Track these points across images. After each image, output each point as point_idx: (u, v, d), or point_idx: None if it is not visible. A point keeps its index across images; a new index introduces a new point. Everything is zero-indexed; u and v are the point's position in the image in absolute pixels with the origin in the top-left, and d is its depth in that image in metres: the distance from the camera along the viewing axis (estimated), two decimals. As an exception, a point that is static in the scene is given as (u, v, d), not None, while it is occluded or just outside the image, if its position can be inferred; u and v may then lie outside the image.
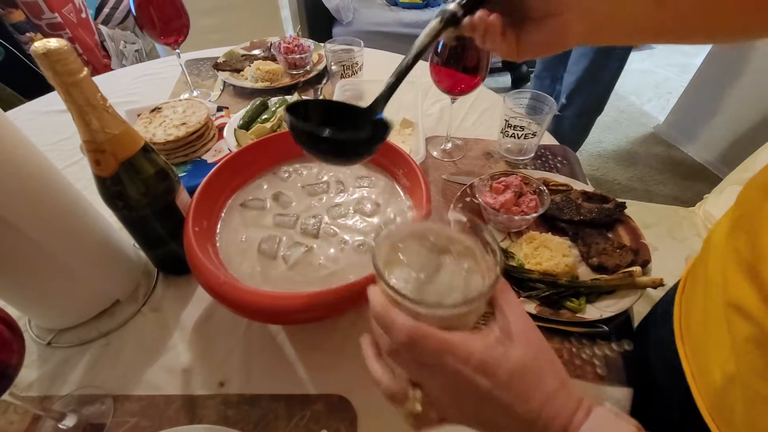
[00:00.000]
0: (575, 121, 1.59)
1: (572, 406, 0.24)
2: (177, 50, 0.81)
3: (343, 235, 0.46)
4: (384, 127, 0.35)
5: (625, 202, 0.57)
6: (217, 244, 0.45)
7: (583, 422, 0.23)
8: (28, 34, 1.68)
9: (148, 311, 0.50)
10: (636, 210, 0.59)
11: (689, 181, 1.89)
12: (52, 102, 0.90)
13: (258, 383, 0.43)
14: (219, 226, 0.47)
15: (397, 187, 0.52)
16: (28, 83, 1.35)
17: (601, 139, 2.13)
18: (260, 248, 0.45)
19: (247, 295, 0.36)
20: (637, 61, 2.71)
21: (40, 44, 0.33)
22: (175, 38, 0.77)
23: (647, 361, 0.44)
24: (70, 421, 0.40)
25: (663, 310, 0.45)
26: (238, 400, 0.42)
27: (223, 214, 0.48)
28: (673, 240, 0.89)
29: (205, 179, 0.47)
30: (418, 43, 0.37)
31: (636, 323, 0.50)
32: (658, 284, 0.48)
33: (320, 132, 0.33)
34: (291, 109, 0.35)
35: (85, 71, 0.36)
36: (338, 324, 0.48)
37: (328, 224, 0.48)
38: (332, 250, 0.45)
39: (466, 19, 0.36)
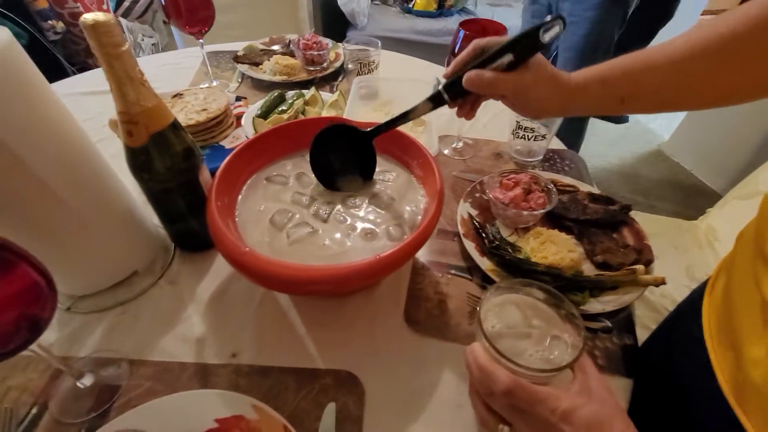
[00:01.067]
0: (568, 124, 1.62)
1: None
2: (201, 40, 0.84)
3: (353, 223, 0.48)
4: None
5: (630, 205, 0.59)
6: (236, 219, 0.47)
7: None
8: (50, 22, 1.72)
9: (164, 284, 0.52)
10: (638, 220, 0.60)
11: (692, 198, 1.90)
12: (74, 84, 0.92)
13: (269, 356, 0.45)
14: (239, 200, 0.49)
15: (413, 178, 0.54)
16: (49, 68, 1.38)
17: (606, 153, 2.15)
18: (272, 219, 0.47)
19: (266, 265, 0.38)
20: None
21: (90, 16, 0.35)
22: (199, 28, 0.80)
23: (672, 357, 0.45)
24: (87, 381, 0.41)
25: (690, 309, 0.46)
26: (249, 371, 0.43)
27: (245, 188, 0.50)
28: (675, 250, 0.91)
29: (228, 158, 0.49)
30: (413, 111, 0.46)
31: (637, 324, 0.51)
32: (660, 282, 0.49)
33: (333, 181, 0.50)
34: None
35: (127, 45, 0.38)
36: (347, 303, 0.49)
37: (340, 211, 0.49)
38: (338, 234, 0.46)
39: (450, 105, 0.46)
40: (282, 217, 0.47)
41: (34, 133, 0.37)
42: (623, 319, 0.49)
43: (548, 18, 0.39)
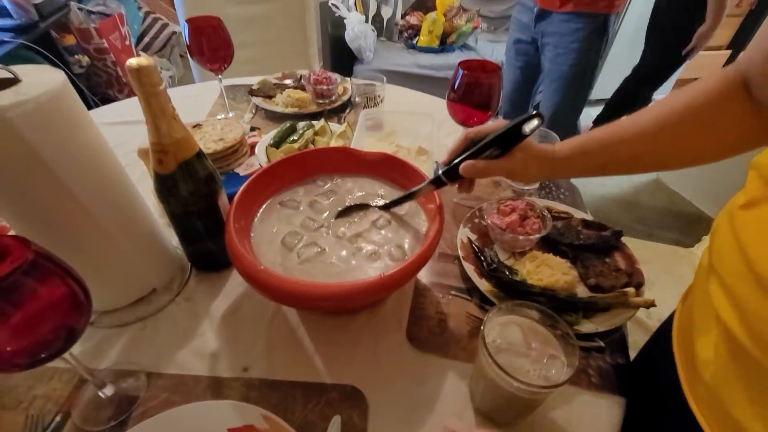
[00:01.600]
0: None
1: None
2: (220, 75, 0.90)
3: (359, 244, 0.51)
4: None
5: (621, 231, 0.62)
6: (252, 240, 0.51)
7: None
8: (76, 56, 1.83)
9: (181, 301, 0.55)
10: (634, 246, 0.63)
11: (692, 226, 1.93)
12: (99, 115, 0.99)
13: (278, 370, 0.47)
14: (255, 222, 0.53)
15: (415, 203, 0.58)
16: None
17: (604, 182, 2.20)
18: (283, 240, 0.51)
19: (279, 282, 0.41)
20: None
21: (134, 61, 0.40)
22: (219, 65, 0.86)
23: (655, 372, 0.47)
24: (108, 391, 0.44)
25: (668, 327, 0.49)
26: (260, 384, 0.46)
27: (260, 212, 0.54)
28: (671, 276, 0.93)
29: (245, 184, 0.53)
30: (418, 191, 0.52)
31: (634, 349, 0.53)
32: (650, 305, 0.52)
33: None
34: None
35: (163, 85, 0.43)
36: (353, 322, 0.52)
37: (346, 234, 0.52)
38: (344, 252, 0.50)
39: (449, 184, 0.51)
40: (292, 238, 0.51)
41: (78, 160, 0.41)
42: (616, 340, 0.52)
43: (529, 114, 0.44)
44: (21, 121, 0.35)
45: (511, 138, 0.46)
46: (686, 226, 1.93)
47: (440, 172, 0.50)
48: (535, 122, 0.44)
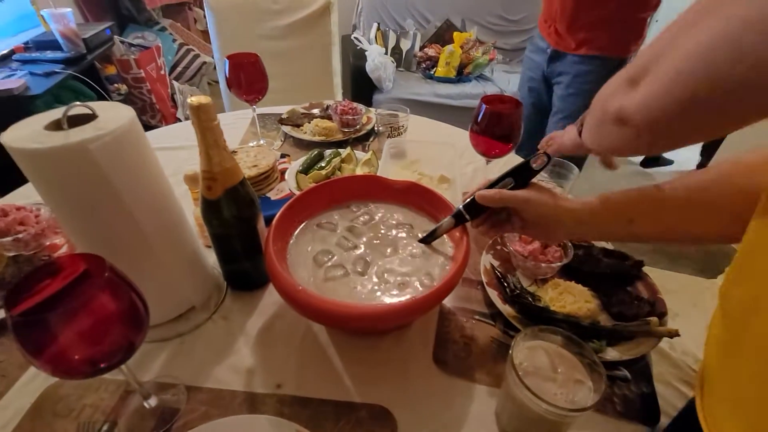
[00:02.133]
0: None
1: None
2: (254, 106, 0.97)
3: (387, 276, 0.52)
4: None
5: (642, 260, 0.64)
6: (287, 261, 0.54)
7: None
8: (116, 85, 1.97)
9: (218, 318, 0.58)
10: (657, 276, 0.63)
11: (717, 258, 1.89)
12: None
13: (310, 387, 0.49)
14: (290, 245, 0.56)
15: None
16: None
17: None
18: (315, 257, 0.54)
19: (316, 301, 0.44)
20: (678, 155, 2.80)
21: (195, 99, 0.45)
22: (255, 96, 0.93)
23: None
24: (152, 402, 0.46)
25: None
26: (292, 401, 0.48)
27: (296, 233, 0.58)
28: (694, 308, 0.92)
29: (282, 209, 0.57)
30: (440, 227, 0.54)
31: (659, 381, 0.52)
32: (674, 334, 0.53)
33: None
34: None
35: (218, 120, 0.48)
36: (381, 343, 0.54)
37: (379, 265, 0.54)
38: (372, 284, 0.52)
39: (472, 222, 0.52)
40: (323, 256, 0.54)
41: (140, 186, 0.46)
42: (640, 369, 0.52)
43: (537, 153, 0.48)
44: (99, 152, 0.40)
45: (522, 172, 0.48)
46: (708, 256, 1.90)
47: (461, 206, 0.52)
48: (543, 159, 0.47)
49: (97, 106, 0.44)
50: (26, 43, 1.63)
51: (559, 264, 0.61)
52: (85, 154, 0.39)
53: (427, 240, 0.56)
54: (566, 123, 0.54)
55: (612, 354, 0.51)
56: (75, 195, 0.42)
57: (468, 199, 0.51)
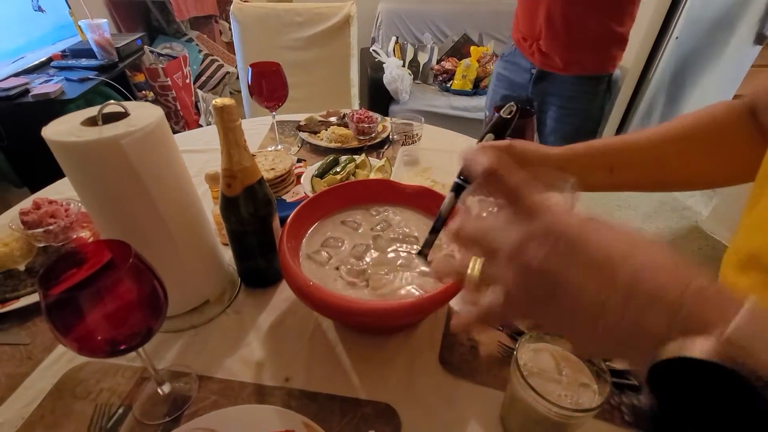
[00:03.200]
0: None
1: (691, 269, 0.19)
2: (273, 113, 1.00)
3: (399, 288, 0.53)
4: None
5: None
6: (300, 258, 0.56)
7: (724, 291, 0.18)
8: (143, 92, 2.05)
9: (231, 312, 0.60)
10: None
11: (737, 278, 1.83)
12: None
13: (318, 382, 0.50)
14: (303, 243, 0.58)
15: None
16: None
17: (641, 228, 2.15)
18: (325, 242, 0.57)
19: (326, 296, 0.46)
20: None
21: (219, 100, 0.47)
22: (275, 103, 0.96)
23: None
24: (166, 388, 0.48)
25: None
26: (300, 394, 0.49)
27: (308, 234, 0.60)
28: (712, 324, 0.89)
29: (296, 209, 0.59)
30: (443, 210, 0.47)
31: None
32: (685, 346, 0.52)
33: None
34: None
35: (239, 121, 0.50)
36: (388, 342, 0.55)
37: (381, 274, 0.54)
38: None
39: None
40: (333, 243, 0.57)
41: (165, 180, 0.48)
42: (650, 380, 0.51)
43: (507, 105, 0.48)
44: (130, 147, 0.43)
45: (498, 125, 0.48)
46: (730, 276, 1.84)
47: (457, 177, 0.48)
48: (512, 107, 0.47)
49: (130, 105, 0.47)
50: (63, 51, 1.73)
51: (568, 272, 0.61)
52: (116, 148, 0.42)
53: (437, 228, 0.46)
54: (561, 144, 0.54)
55: (621, 362, 0.51)
56: (105, 186, 0.45)
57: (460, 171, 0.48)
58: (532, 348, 0.43)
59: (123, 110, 0.46)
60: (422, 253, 0.46)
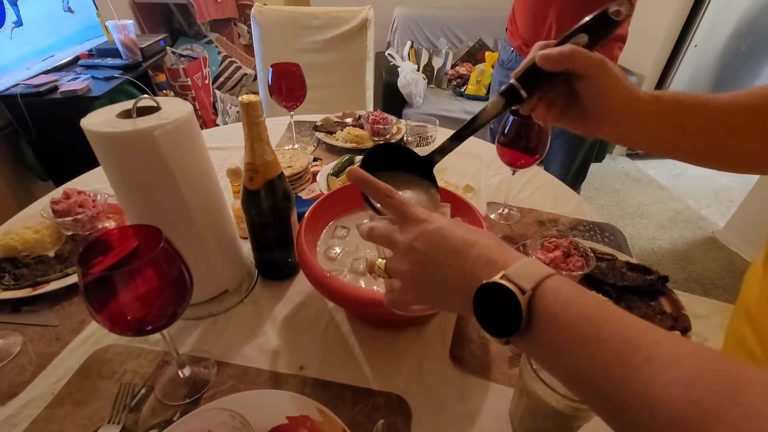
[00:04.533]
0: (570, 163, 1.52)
1: (507, 248, 0.31)
2: (291, 113, 1.03)
3: None
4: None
5: (667, 276, 0.63)
6: (316, 252, 0.57)
7: (519, 256, 0.30)
8: (164, 91, 2.11)
9: (248, 302, 0.62)
10: (687, 300, 0.62)
11: (753, 290, 1.79)
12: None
13: (331, 372, 0.52)
14: (320, 237, 0.60)
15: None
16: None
17: (655, 237, 2.12)
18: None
19: (342, 287, 0.47)
20: (693, 167, 2.73)
21: (245, 97, 0.50)
22: (293, 103, 0.99)
23: None
24: (187, 371, 0.50)
25: None
26: (314, 383, 0.50)
27: (326, 228, 0.61)
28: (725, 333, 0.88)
29: (314, 204, 0.61)
30: (482, 113, 0.43)
31: None
32: (697, 349, 0.52)
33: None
34: (365, 159, 0.41)
35: (263, 117, 0.52)
36: (400, 336, 0.56)
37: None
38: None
39: (527, 103, 0.42)
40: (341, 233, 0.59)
41: (192, 172, 0.51)
42: (661, 382, 0.52)
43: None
44: (161, 138, 0.45)
45: (601, 24, 0.39)
46: (746, 288, 1.80)
47: (514, 79, 0.41)
48: (624, 5, 0.38)
49: (161, 100, 0.50)
50: (90, 50, 1.80)
51: (580, 273, 0.61)
52: (149, 139, 0.44)
53: (463, 135, 0.43)
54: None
55: (631, 364, 0.51)
56: (137, 175, 0.47)
57: (524, 69, 0.40)
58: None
59: (155, 104, 0.49)
60: (431, 159, 0.42)
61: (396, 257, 0.35)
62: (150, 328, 0.42)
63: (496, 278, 0.28)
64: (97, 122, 0.45)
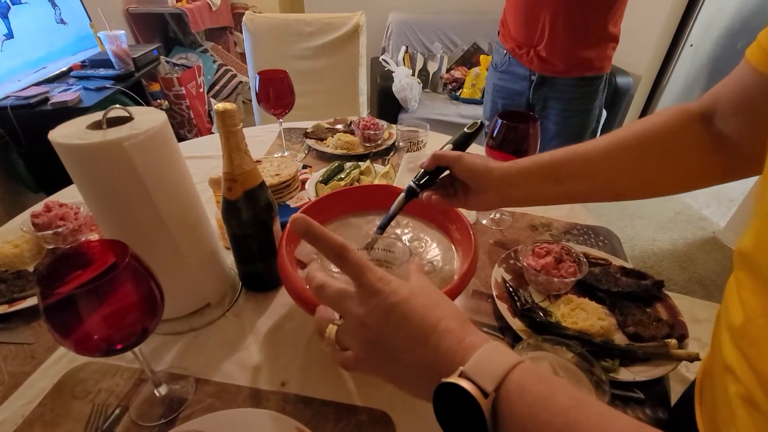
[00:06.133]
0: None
1: (470, 330, 0.29)
2: (280, 120, 1.02)
3: None
4: None
5: (663, 281, 0.61)
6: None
7: (480, 342, 0.28)
8: (158, 101, 2.11)
9: (230, 316, 0.60)
10: (688, 304, 0.61)
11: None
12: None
13: (313, 387, 0.50)
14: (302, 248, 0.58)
15: (448, 240, 0.61)
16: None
17: (655, 238, 2.10)
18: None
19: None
20: None
21: (221, 105, 0.48)
22: (282, 111, 0.98)
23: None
24: (163, 390, 0.48)
25: (690, 390, 0.47)
26: (295, 399, 0.49)
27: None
28: (727, 338, 0.86)
29: (298, 212, 0.59)
30: (392, 211, 0.55)
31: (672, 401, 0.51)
32: (694, 358, 0.50)
33: None
34: None
35: (240, 125, 0.51)
36: (387, 349, 0.54)
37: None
38: None
39: (423, 194, 0.54)
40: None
41: (167, 183, 0.49)
42: (657, 393, 0.50)
43: (473, 122, 0.58)
44: (133, 150, 0.43)
45: (461, 139, 0.56)
46: (749, 289, 1.77)
47: (412, 181, 0.55)
48: (476, 123, 0.57)
49: (134, 110, 0.49)
50: (83, 61, 1.79)
51: (572, 279, 0.59)
52: (120, 150, 0.43)
53: (384, 225, 0.55)
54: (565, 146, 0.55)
55: (625, 374, 0.49)
56: (108, 188, 0.46)
57: (417, 174, 0.55)
58: (530, 356, 0.42)
59: (127, 114, 0.47)
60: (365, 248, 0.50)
61: (348, 330, 0.33)
62: (120, 347, 0.40)
63: (455, 378, 0.25)
64: (65, 134, 0.44)
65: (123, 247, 0.38)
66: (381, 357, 0.31)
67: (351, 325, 0.32)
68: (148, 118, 0.47)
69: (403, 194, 0.55)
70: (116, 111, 0.47)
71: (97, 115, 0.46)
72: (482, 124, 0.57)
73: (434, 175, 0.55)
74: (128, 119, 0.47)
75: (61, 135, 0.43)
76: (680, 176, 0.44)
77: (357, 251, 0.32)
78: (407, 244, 0.60)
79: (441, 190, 0.55)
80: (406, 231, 0.62)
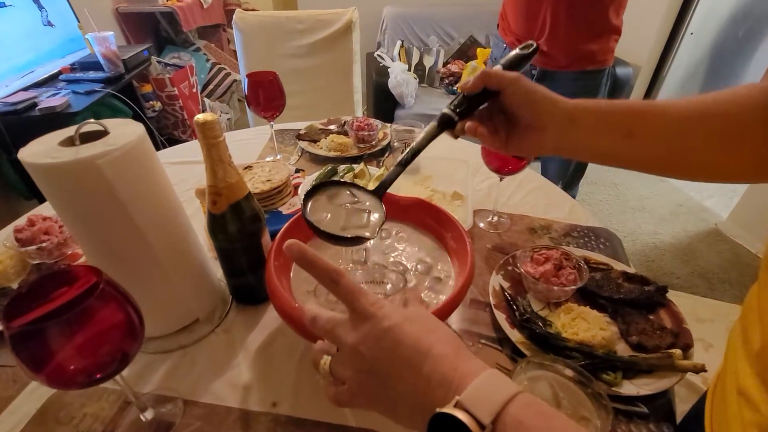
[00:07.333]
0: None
1: (465, 357, 0.28)
2: (271, 122, 0.99)
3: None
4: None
5: (666, 286, 0.59)
6: (291, 276, 0.54)
7: (476, 370, 0.27)
8: (151, 102, 2.08)
9: (220, 332, 0.58)
10: (691, 303, 0.59)
11: (760, 283, 1.75)
12: (164, 156, 1.10)
13: (305, 408, 0.48)
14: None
15: (442, 250, 0.58)
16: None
17: (657, 231, 2.07)
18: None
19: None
20: None
21: (201, 116, 0.46)
22: (272, 113, 0.95)
23: None
24: (149, 415, 0.47)
25: (700, 406, 0.45)
26: (287, 421, 0.47)
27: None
28: (732, 338, 0.84)
29: (287, 224, 0.57)
30: (417, 143, 0.46)
31: (679, 413, 0.49)
32: (699, 370, 0.48)
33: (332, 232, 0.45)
34: (309, 193, 0.46)
35: (223, 137, 0.49)
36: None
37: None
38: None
39: (459, 125, 0.45)
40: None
41: (147, 200, 0.47)
42: (662, 406, 0.48)
43: (525, 42, 0.48)
44: (107, 167, 0.41)
45: (512, 60, 0.47)
46: (752, 281, 1.76)
47: (447, 107, 0.45)
48: (530, 44, 0.47)
49: (110, 123, 0.46)
50: (72, 64, 1.76)
51: (573, 287, 0.57)
52: (93, 168, 0.41)
53: (406, 161, 0.47)
54: None
55: (628, 388, 0.47)
56: (84, 208, 0.44)
57: (455, 99, 0.45)
58: (529, 376, 0.40)
59: (102, 129, 0.45)
60: (379, 192, 0.46)
61: (341, 359, 0.32)
62: (99, 376, 0.38)
63: (450, 408, 0.25)
64: (36, 152, 0.42)
65: (96, 273, 0.36)
66: (374, 387, 0.30)
67: (344, 353, 0.31)
68: (125, 132, 0.45)
69: (434, 123, 0.45)
70: (90, 126, 0.44)
71: (70, 131, 0.44)
72: (537, 45, 0.46)
73: (475, 102, 0.44)
74: (103, 134, 0.45)
75: (31, 153, 0.41)
76: (752, 161, 0.38)
77: (350, 278, 0.32)
78: (406, 264, 0.57)
79: (482, 116, 0.45)
80: (398, 246, 0.60)
